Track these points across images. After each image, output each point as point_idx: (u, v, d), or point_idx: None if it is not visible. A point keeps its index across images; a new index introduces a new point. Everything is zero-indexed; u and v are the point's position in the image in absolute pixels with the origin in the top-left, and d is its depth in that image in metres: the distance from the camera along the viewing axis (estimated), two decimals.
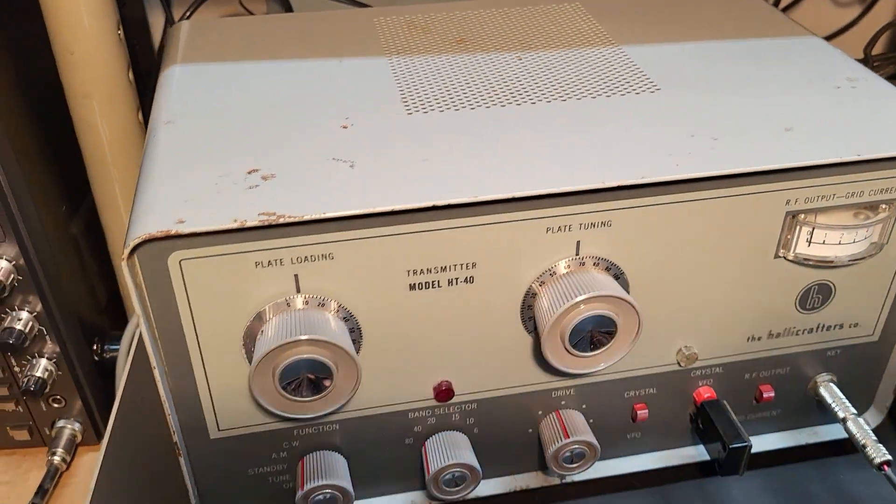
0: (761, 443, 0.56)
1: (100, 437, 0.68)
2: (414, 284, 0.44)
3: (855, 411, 0.53)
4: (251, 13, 0.89)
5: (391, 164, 0.43)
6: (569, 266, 0.45)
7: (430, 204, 0.40)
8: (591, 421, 0.51)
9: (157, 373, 0.44)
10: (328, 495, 0.48)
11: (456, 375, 0.48)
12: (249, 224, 0.39)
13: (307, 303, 0.43)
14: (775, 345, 0.52)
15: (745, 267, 0.48)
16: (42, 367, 0.62)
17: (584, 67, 0.54)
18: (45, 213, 0.59)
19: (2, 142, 0.54)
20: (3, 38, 0.57)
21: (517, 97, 0.50)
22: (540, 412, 0.51)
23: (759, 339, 0.51)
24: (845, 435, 0.57)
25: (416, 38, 0.59)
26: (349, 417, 0.48)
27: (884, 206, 0.47)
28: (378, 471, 0.51)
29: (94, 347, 0.68)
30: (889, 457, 0.50)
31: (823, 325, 0.52)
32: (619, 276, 0.46)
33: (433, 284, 0.44)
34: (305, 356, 0.42)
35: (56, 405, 0.65)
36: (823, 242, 0.47)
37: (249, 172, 0.43)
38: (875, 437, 0.51)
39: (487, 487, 0.54)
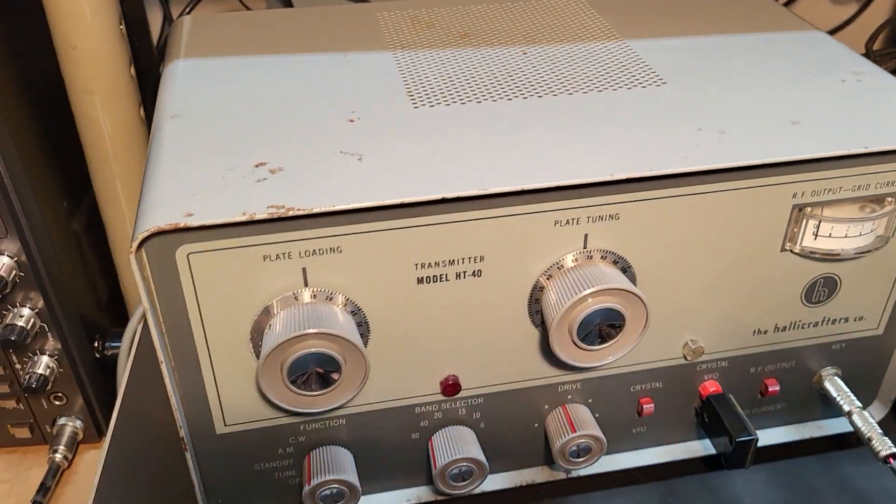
0: (766, 437, 0.56)
1: (101, 434, 0.68)
2: (422, 278, 0.44)
3: (860, 404, 0.53)
4: (249, 9, 0.88)
5: (399, 158, 0.43)
6: (576, 259, 0.45)
7: (439, 196, 0.40)
8: (597, 415, 0.51)
9: (164, 367, 0.43)
10: (335, 490, 0.48)
11: (463, 370, 0.48)
12: (258, 217, 0.39)
13: (315, 296, 0.43)
14: (781, 338, 0.52)
15: (751, 260, 0.48)
16: (44, 364, 0.62)
17: (589, 61, 0.54)
18: (46, 210, 0.59)
19: (4, 138, 0.53)
20: (4, 33, 0.56)
21: (523, 91, 0.50)
22: (546, 406, 0.51)
23: (765, 332, 0.51)
24: (849, 428, 0.57)
25: (420, 33, 0.59)
26: (355, 412, 0.48)
27: (889, 199, 0.47)
28: (384, 466, 0.51)
29: (96, 345, 0.67)
30: (895, 449, 0.50)
31: (829, 319, 0.52)
32: (626, 270, 0.46)
33: (441, 278, 0.44)
34: (314, 350, 0.42)
35: (57, 402, 0.65)
36: (830, 235, 0.47)
37: (257, 166, 0.43)
38: (881, 430, 0.51)
39: (493, 482, 0.53)
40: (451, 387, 0.48)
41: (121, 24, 0.59)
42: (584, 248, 0.45)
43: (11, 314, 0.59)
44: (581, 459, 0.51)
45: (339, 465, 0.48)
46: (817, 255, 0.48)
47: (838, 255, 0.48)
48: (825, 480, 0.56)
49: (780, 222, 0.47)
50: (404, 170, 0.42)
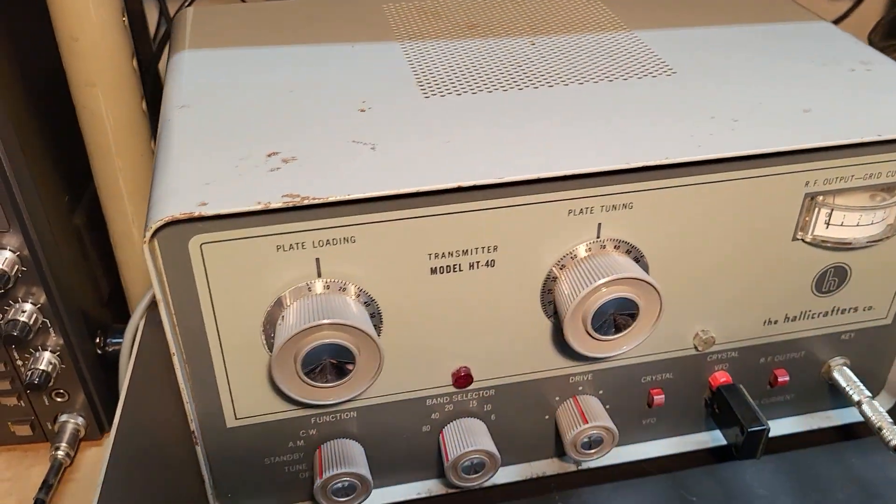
0: (775, 427, 0.56)
1: (103, 431, 0.67)
2: (435, 268, 0.43)
3: (869, 394, 0.53)
4: (245, 0, 0.88)
5: (412, 147, 0.43)
6: (589, 249, 0.45)
7: (455, 185, 0.40)
8: (608, 407, 0.51)
9: (175, 360, 0.43)
10: (347, 483, 0.47)
11: (475, 361, 0.48)
12: (273, 206, 0.38)
13: (328, 287, 0.43)
14: (791, 328, 0.52)
15: (763, 249, 0.48)
16: (46, 360, 0.61)
17: (598, 52, 0.54)
18: (48, 204, 0.58)
19: (6, 130, 0.53)
20: (5, 25, 0.55)
21: (534, 81, 0.50)
22: (557, 398, 0.51)
23: (776, 322, 0.51)
24: (857, 419, 0.57)
25: (427, 24, 0.58)
26: (367, 405, 0.48)
27: None
28: (394, 459, 0.51)
29: (97, 341, 0.67)
30: None
31: (838, 309, 0.52)
32: (639, 259, 0.46)
33: (454, 268, 0.44)
34: (328, 341, 0.41)
35: (59, 399, 0.64)
36: (842, 224, 0.47)
37: (270, 155, 0.42)
38: (891, 420, 0.51)
39: (503, 475, 0.53)
40: (462, 378, 0.48)
41: (123, 15, 0.58)
42: (598, 237, 0.45)
43: (13, 309, 0.58)
44: (593, 451, 0.51)
45: (350, 458, 0.48)
46: (829, 244, 0.48)
47: (850, 243, 0.48)
48: (833, 471, 0.56)
49: (792, 211, 0.47)
50: (418, 159, 0.42)
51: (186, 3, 0.84)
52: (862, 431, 0.58)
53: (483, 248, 0.43)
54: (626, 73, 0.51)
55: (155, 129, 0.66)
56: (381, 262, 0.42)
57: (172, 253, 0.40)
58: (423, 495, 0.52)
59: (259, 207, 0.38)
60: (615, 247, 0.45)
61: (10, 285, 0.56)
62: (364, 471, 0.47)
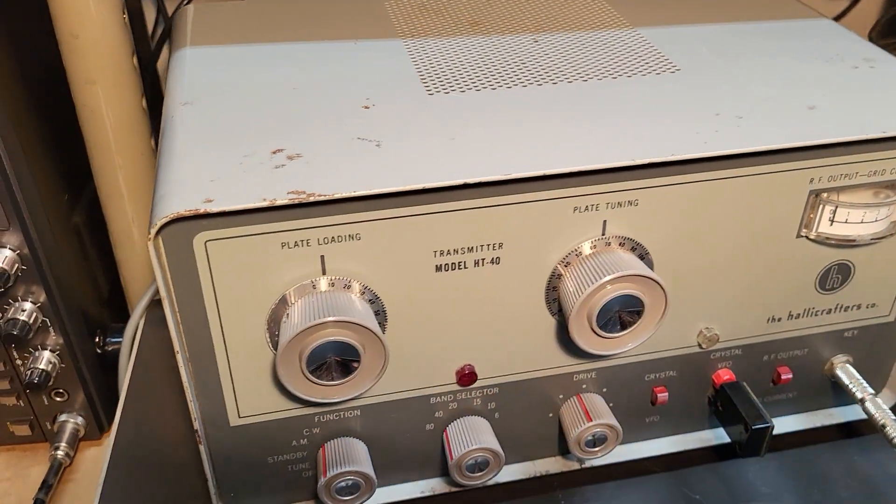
0: (778, 425, 0.56)
1: (102, 431, 0.67)
2: (440, 265, 0.43)
3: (872, 391, 0.53)
4: None
5: (418, 144, 0.43)
6: (594, 246, 0.45)
7: (461, 182, 0.40)
8: (612, 405, 0.51)
9: (179, 358, 0.43)
10: (350, 482, 0.47)
11: (479, 359, 0.48)
12: (279, 203, 0.38)
13: (333, 285, 0.42)
14: (794, 326, 0.52)
15: (767, 247, 0.48)
16: (45, 359, 0.60)
17: (601, 49, 0.54)
18: (48, 202, 0.57)
19: (6, 128, 0.52)
20: (4, 22, 0.55)
21: (538, 78, 0.50)
22: (561, 396, 0.51)
23: (779, 319, 0.51)
24: (859, 416, 0.57)
25: (429, 21, 0.58)
26: (370, 403, 0.48)
27: None
28: (398, 457, 0.51)
29: (96, 340, 0.66)
30: None
31: (841, 306, 0.52)
32: (643, 257, 0.46)
33: (460, 265, 0.44)
34: (332, 339, 0.41)
35: (58, 399, 0.64)
36: (846, 221, 0.47)
37: (274, 152, 0.42)
38: (894, 417, 0.52)
39: (506, 473, 0.53)
40: (467, 376, 0.48)
41: (123, 13, 0.58)
42: (603, 234, 0.45)
43: (13, 308, 0.58)
44: (597, 449, 0.51)
45: (354, 457, 0.47)
46: (833, 242, 0.48)
47: (854, 241, 0.48)
48: (836, 468, 0.56)
49: (796, 208, 0.47)
50: (424, 156, 0.42)
51: (185, 2, 0.83)
52: (864, 429, 0.58)
53: (488, 245, 0.43)
54: (629, 71, 0.51)
55: (154, 127, 0.66)
56: (386, 260, 0.42)
57: (176, 250, 0.39)
58: (427, 494, 0.52)
59: (265, 204, 0.38)
60: (620, 244, 0.45)
61: (9, 284, 0.56)
62: (368, 469, 0.47)
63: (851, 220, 0.47)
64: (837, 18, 1.01)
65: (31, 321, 0.58)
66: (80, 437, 0.66)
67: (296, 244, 0.41)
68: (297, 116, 0.46)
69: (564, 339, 0.48)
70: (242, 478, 0.49)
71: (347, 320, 0.40)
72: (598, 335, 0.45)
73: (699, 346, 0.51)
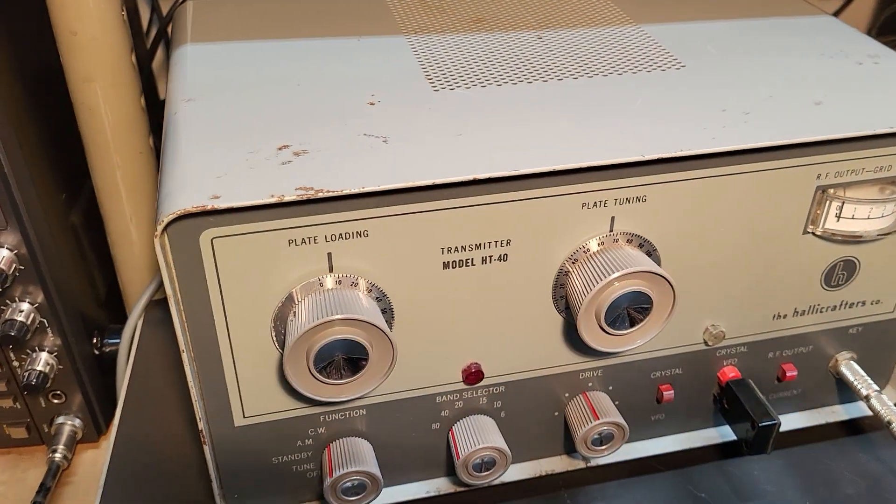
0: (783, 422, 0.56)
1: (100, 433, 0.66)
2: (448, 262, 0.43)
3: (877, 388, 0.53)
4: None
5: (425, 140, 0.43)
6: (602, 243, 0.44)
7: (470, 178, 0.39)
8: (617, 403, 0.51)
9: (184, 357, 0.42)
10: (357, 482, 0.47)
11: (485, 357, 0.47)
12: (287, 199, 0.38)
13: (340, 282, 0.42)
14: (799, 323, 0.52)
15: (774, 243, 0.48)
16: (43, 360, 0.60)
17: (605, 46, 0.54)
18: (46, 202, 0.57)
19: (4, 127, 0.52)
20: (2, 20, 0.54)
21: (543, 74, 0.50)
22: (567, 394, 0.51)
23: (785, 316, 0.51)
24: (863, 413, 0.57)
25: (432, 18, 0.58)
26: (376, 402, 0.47)
27: None
28: (403, 457, 0.50)
29: (94, 341, 0.65)
30: None
31: (846, 303, 0.52)
32: (651, 253, 0.46)
33: (467, 263, 0.43)
34: (340, 337, 0.40)
35: (56, 401, 0.63)
36: (853, 217, 0.47)
37: (280, 148, 0.41)
38: None
39: (512, 473, 0.53)
40: (473, 375, 0.47)
41: (122, 9, 0.57)
42: (611, 231, 0.44)
43: (10, 309, 0.57)
44: (603, 447, 0.50)
45: (360, 457, 0.47)
46: (839, 238, 0.48)
47: (861, 236, 0.48)
48: (841, 466, 0.56)
49: (803, 204, 0.46)
50: (431, 152, 0.41)
51: (180, 1, 0.83)
52: (868, 426, 0.58)
53: (496, 241, 0.43)
54: (634, 67, 0.51)
55: (152, 125, 0.65)
56: (393, 257, 0.42)
57: (182, 248, 0.39)
58: (433, 494, 0.52)
59: (273, 201, 0.38)
60: (628, 241, 0.45)
61: (7, 284, 0.55)
62: (374, 469, 0.47)
63: (858, 215, 0.47)
64: (836, 14, 1.01)
65: (29, 322, 0.57)
66: (78, 440, 0.65)
67: (303, 241, 0.40)
68: (302, 112, 0.45)
69: (571, 336, 0.48)
70: (247, 479, 0.48)
71: (355, 318, 0.40)
72: (607, 332, 0.45)
73: (705, 343, 0.51)
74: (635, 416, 0.53)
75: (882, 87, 0.48)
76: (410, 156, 0.41)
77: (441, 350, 0.46)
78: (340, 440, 0.48)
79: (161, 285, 0.68)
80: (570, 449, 0.54)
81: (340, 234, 0.41)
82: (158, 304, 0.70)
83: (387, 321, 0.44)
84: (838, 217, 0.47)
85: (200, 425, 0.45)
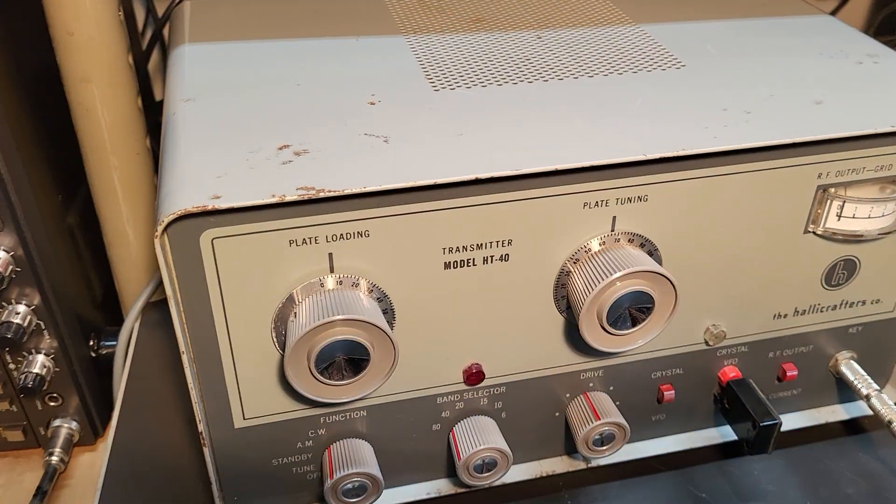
0: (783, 422, 0.56)
1: (96, 436, 0.66)
2: (449, 263, 0.43)
3: (878, 387, 0.53)
4: None
5: (426, 139, 0.42)
6: (603, 243, 0.44)
7: (472, 177, 0.39)
8: (618, 403, 0.51)
9: (184, 359, 0.42)
10: (357, 484, 0.46)
11: (486, 358, 0.47)
12: (288, 199, 0.37)
13: (341, 283, 0.42)
14: (800, 322, 0.52)
15: (775, 243, 0.47)
16: (39, 363, 0.59)
17: (605, 45, 0.54)
18: (42, 203, 0.56)
19: (1, 127, 0.51)
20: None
21: (543, 74, 0.50)
22: (567, 395, 0.50)
23: (785, 316, 0.51)
24: (862, 413, 0.57)
25: (431, 18, 0.58)
26: (377, 403, 0.47)
27: None
28: (403, 458, 0.50)
29: (90, 343, 0.65)
30: None
31: (846, 302, 0.52)
32: (652, 253, 0.45)
33: (468, 263, 0.43)
34: (341, 337, 0.40)
35: (52, 403, 0.62)
36: (853, 216, 0.47)
37: (281, 148, 0.41)
38: None
39: (512, 474, 0.53)
40: (474, 375, 0.47)
41: (119, 9, 0.57)
42: (612, 230, 0.44)
43: (7, 311, 0.56)
44: (604, 448, 0.50)
45: (360, 458, 0.47)
46: (840, 237, 0.48)
47: (861, 236, 0.48)
48: (842, 465, 0.56)
49: (804, 203, 0.46)
50: (433, 152, 0.41)
51: (177, 2, 0.82)
52: (868, 425, 0.58)
53: (498, 242, 0.43)
54: (634, 66, 0.51)
55: (148, 127, 0.65)
56: (395, 257, 0.42)
57: (183, 248, 0.39)
58: (433, 495, 0.52)
59: (274, 200, 0.37)
60: (629, 240, 0.45)
61: (3, 286, 0.55)
62: (375, 470, 0.47)
63: (859, 215, 0.47)
64: (832, 13, 1.01)
65: (26, 324, 0.57)
66: (75, 443, 0.64)
67: (304, 241, 0.40)
68: (301, 112, 0.45)
69: (572, 336, 0.48)
70: (246, 481, 0.48)
71: (357, 318, 0.40)
72: (609, 332, 0.45)
73: (706, 343, 0.51)
74: (636, 417, 0.53)
75: (882, 87, 0.48)
76: (412, 156, 0.41)
77: (442, 350, 0.46)
78: (341, 442, 0.48)
79: (157, 287, 0.68)
80: (570, 450, 0.54)
81: (341, 235, 0.40)
82: (155, 306, 0.69)
83: (388, 321, 0.43)
84: (839, 216, 0.47)
85: (200, 427, 0.44)
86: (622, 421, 0.49)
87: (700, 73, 0.50)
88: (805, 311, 0.51)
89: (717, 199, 0.45)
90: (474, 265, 0.43)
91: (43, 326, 0.58)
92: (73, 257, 0.63)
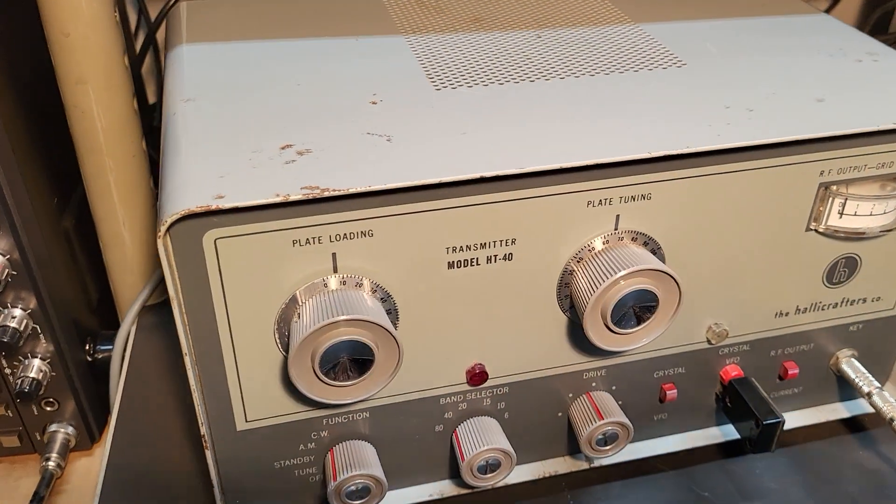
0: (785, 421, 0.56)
1: (93, 440, 0.65)
2: (453, 262, 0.43)
3: (879, 385, 0.53)
4: None
5: (429, 139, 0.42)
6: (607, 241, 0.44)
7: (476, 176, 0.39)
8: (620, 402, 0.51)
9: (186, 361, 0.41)
10: (361, 486, 0.46)
11: (489, 358, 0.47)
12: (293, 198, 0.37)
13: (344, 283, 0.41)
14: (801, 320, 0.52)
15: (777, 240, 0.47)
16: (36, 367, 0.59)
17: (605, 45, 0.54)
18: (38, 206, 0.56)
19: None
20: None
21: (544, 73, 0.50)
22: (570, 395, 0.50)
23: (787, 314, 0.51)
24: (863, 410, 0.57)
25: (430, 18, 0.58)
26: (379, 405, 0.47)
27: None
28: (406, 460, 0.50)
29: (87, 347, 0.64)
30: None
31: (847, 300, 0.52)
32: (655, 251, 0.45)
33: (472, 262, 0.43)
34: (345, 338, 0.40)
35: (49, 408, 0.62)
36: (855, 214, 0.47)
37: (283, 148, 0.41)
38: None
39: (515, 475, 0.52)
40: (477, 376, 0.47)
41: (115, 10, 0.57)
42: (616, 229, 0.44)
43: (2, 315, 0.56)
44: (608, 447, 0.50)
45: (364, 460, 0.46)
46: (842, 235, 0.48)
47: (863, 233, 0.48)
48: (844, 463, 0.56)
49: (806, 201, 0.46)
50: (436, 150, 0.41)
51: (171, 4, 0.82)
52: (869, 423, 0.58)
53: (501, 241, 0.43)
54: (636, 65, 0.51)
55: (145, 128, 0.65)
56: (398, 257, 0.41)
57: (185, 249, 0.38)
58: (436, 497, 0.51)
59: (278, 200, 0.37)
60: (632, 239, 0.45)
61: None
62: (378, 472, 0.46)
63: (860, 212, 0.47)
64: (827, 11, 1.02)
65: (22, 328, 0.56)
66: (71, 448, 0.64)
67: (307, 241, 0.40)
68: (303, 112, 0.45)
69: (575, 336, 0.47)
70: (248, 484, 0.48)
71: (361, 318, 0.40)
72: (613, 331, 0.44)
73: (708, 341, 0.51)
74: (638, 416, 0.52)
75: (882, 84, 0.48)
76: (415, 155, 0.41)
77: (445, 350, 0.46)
78: (344, 443, 0.47)
79: (154, 290, 0.68)
80: (572, 450, 0.53)
81: (345, 234, 0.40)
82: (151, 310, 0.69)
83: (391, 321, 0.43)
84: (841, 214, 0.47)
85: (202, 429, 0.44)
86: (626, 420, 0.49)
87: (701, 71, 0.50)
88: (806, 309, 0.51)
89: (720, 196, 0.45)
90: (478, 265, 0.43)
91: (39, 330, 0.57)
92: (68, 260, 0.62)
